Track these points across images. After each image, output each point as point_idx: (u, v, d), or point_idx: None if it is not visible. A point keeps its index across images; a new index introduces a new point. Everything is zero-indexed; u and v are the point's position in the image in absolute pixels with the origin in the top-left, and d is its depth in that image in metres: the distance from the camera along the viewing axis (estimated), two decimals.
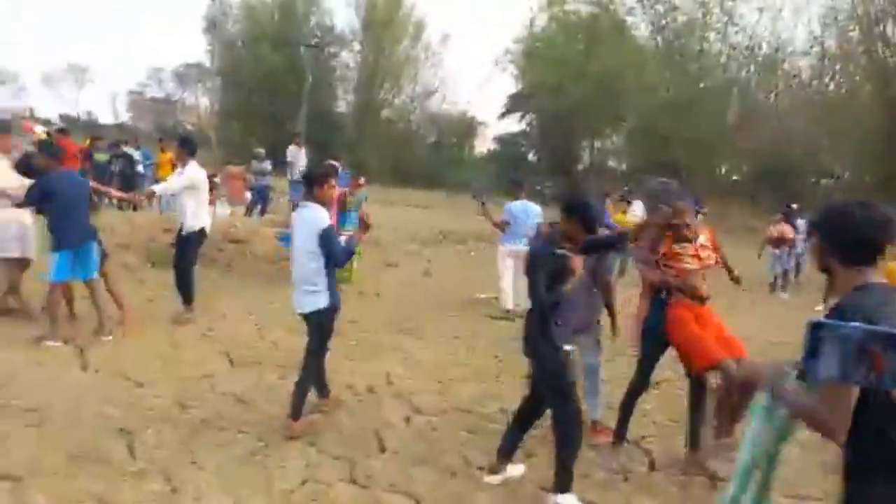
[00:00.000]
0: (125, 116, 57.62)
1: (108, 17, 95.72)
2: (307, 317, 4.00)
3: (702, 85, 28.37)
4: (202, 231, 6.38)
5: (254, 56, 35.38)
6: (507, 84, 43.71)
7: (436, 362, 5.63)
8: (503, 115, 42.81)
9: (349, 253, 4.14)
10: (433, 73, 41.43)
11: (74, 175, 5.94)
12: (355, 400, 4.56)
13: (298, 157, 12.19)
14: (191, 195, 6.23)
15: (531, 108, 40.34)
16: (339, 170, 12.56)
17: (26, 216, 5.72)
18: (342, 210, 8.11)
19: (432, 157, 41.11)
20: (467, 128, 45.68)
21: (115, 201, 10.32)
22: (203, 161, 6.92)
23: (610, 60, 29.23)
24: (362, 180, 8.52)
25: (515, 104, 41.73)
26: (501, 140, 45.68)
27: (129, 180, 12.69)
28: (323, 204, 4.02)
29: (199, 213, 6.32)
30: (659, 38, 28.88)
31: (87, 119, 54.54)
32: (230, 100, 33.68)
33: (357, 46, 38.22)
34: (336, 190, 7.86)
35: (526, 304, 3.46)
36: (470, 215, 17.42)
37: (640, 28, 29.49)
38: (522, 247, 7.37)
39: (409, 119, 42.48)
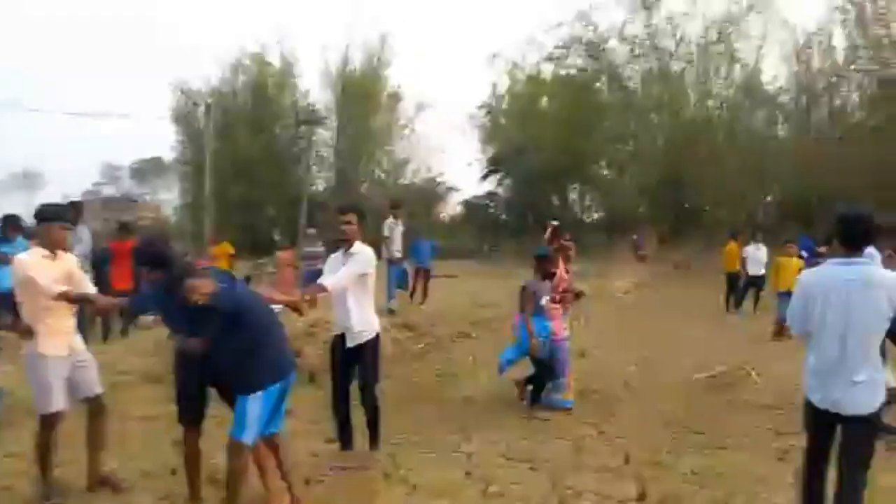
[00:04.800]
0: None
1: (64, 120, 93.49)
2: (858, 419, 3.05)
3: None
4: (378, 336, 4.83)
5: (229, 144, 33.63)
6: (475, 148, 43.24)
7: None
8: (485, 177, 42.41)
9: None
10: (407, 144, 40.83)
11: None
12: None
13: (396, 231, 10.51)
14: (363, 287, 4.71)
15: (509, 170, 39.98)
16: (422, 242, 11.15)
17: None
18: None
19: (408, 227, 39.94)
20: (433, 194, 44.77)
21: None
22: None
23: (599, 113, 29.28)
24: (568, 237, 6.80)
25: (494, 166, 41.35)
26: (468, 204, 44.97)
27: None
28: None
29: (372, 313, 4.84)
30: (652, 87, 28.98)
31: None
32: (201, 191, 31.61)
33: (334, 123, 37.07)
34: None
35: None
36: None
37: (636, 79, 29.51)
38: None
39: (385, 192, 41.32)
